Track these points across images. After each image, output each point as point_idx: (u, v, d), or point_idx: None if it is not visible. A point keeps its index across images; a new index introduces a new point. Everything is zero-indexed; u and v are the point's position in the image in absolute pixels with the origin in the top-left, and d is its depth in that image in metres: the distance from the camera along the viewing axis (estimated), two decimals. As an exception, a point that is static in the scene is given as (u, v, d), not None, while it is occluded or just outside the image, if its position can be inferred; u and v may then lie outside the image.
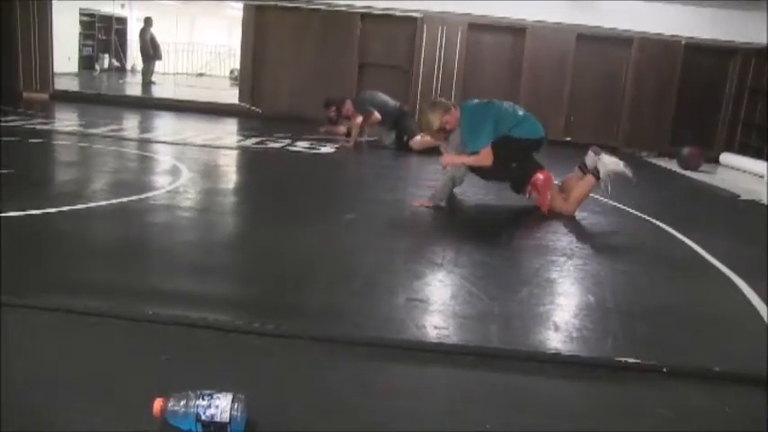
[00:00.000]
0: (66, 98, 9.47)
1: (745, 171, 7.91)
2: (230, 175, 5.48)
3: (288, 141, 6.92)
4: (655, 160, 8.54)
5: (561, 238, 3.70)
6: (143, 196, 3.87)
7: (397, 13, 9.03)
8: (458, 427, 1.64)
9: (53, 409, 1.54)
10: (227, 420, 1.45)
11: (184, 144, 6.25)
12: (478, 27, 9.09)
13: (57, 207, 3.40)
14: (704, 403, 1.87)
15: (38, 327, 1.97)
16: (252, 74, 9.50)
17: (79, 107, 8.85)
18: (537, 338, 2.25)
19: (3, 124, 6.38)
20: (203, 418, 1.45)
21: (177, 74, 15.86)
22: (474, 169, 4.34)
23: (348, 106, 7.16)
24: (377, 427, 1.60)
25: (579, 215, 4.24)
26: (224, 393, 1.49)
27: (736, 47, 8.95)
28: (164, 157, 5.52)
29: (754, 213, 5.30)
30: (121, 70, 17.21)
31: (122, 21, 17.70)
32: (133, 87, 12.94)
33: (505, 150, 4.17)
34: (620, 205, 4.55)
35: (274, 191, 4.65)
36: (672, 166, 7.92)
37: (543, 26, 9.02)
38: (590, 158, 4.33)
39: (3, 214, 3.07)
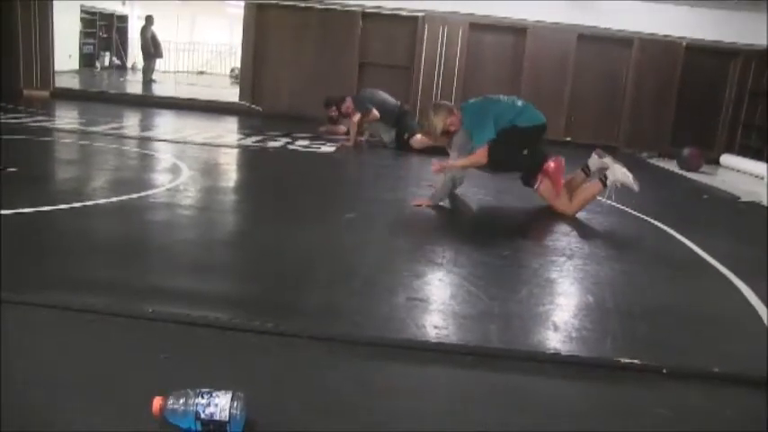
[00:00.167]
0: (67, 96, 9.46)
1: (745, 172, 7.91)
2: (230, 174, 5.48)
3: (288, 140, 6.92)
4: (655, 161, 8.54)
5: (561, 238, 3.70)
6: (143, 194, 3.87)
7: (404, 13, 9.02)
8: (458, 426, 1.64)
9: (51, 405, 1.54)
10: (227, 419, 1.45)
11: (185, 142, 6.24)
12: (479, 27, 9.09)
13: (57, 205, 3.39)
14: (704, 404, 1.87)
15: (37, 324, 1.97)
16: (252, 72, 9.50)
17: (80, 105, 8.85)
18: (537, 338, 2.25)
19: (3, 122, 6.38)
20: (203, 416, 1.45)
21: (178, 72, 15.86)
22: (488, 162, 4.25)
23: (348, 103, 7.15)
24: (376, 427, 1.59)
25: (579, 215, 4.24)
26: (223, 392, 1.48)
27: (736, 48, 8.95)
28: (164, 155, 5.52)
29: (754, 214, 5.30)
30: (122, 68, 17.19)
31: (123, 19, 17.71)
32: (134, 85, 12.92)
33: (514, 139, 4.16)
34: (619, 206, 4.54)
35: (274, 190, 4.64)
36: (672, 166, 7.92)
37: (544, 26, 9.02)
38: (593, 161, 4.33)
39: (3, 212, 3.07)
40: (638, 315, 2.52)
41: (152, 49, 13.44)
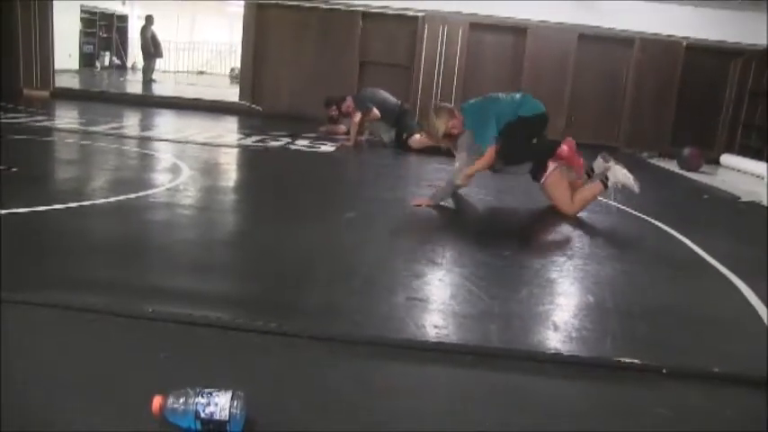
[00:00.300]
0: (67, 96, 9.46)
1: (745, 172, 7.91)
2: (230, 173, 5.48)
3: (288, 140, 6.92)
4: (655, 161, 8.54)
5: (561, 238, 3.70)
6: (143, 194, 3.86)
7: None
8: (458, 426, 1.64)
9: (51, 405, 1.54)
10: (227, 418, 1.45)
11: (185, 142, 6.24)
12: (480, 26, 9.09)
13: (57, 204, 3.39)
14: (704, 404, 1.86)
15: (37, 324, 1.97)
16: (252, 72, 9.50)
17: (80, 105, 8.85)
18: (537, 338, 2.25)
19: (3, 122, 6.38)
20: (202, 415, 1.45)
21: (178, 72, 15.89)
22: (500, 154, 4.26)
23: (349, 102, 7.16)
24: (376, 427, 1.59)
25: (580, 215, 4.24)
26: (223, 391, 1.48)
27: (737, 48, 8.95)
28: (164, 154, 5.52)
29: (754, 214, 5.30)
30: (122, 68, 17.21)
31: (123, 18, 17.72)
32: (134, 85, 12.92)
33: (522, 130, 4.21)
34: (620, 206, 4.54)
35: (274, 189, 4.64)
36: (672, 166, 7.91)
37: (545, 26, 9.02)
38: (598, 164, 4.34)
39: (3, 211, 3.07)
40: (638, 315, 2.52)
41: (152, 48, 13.44)
